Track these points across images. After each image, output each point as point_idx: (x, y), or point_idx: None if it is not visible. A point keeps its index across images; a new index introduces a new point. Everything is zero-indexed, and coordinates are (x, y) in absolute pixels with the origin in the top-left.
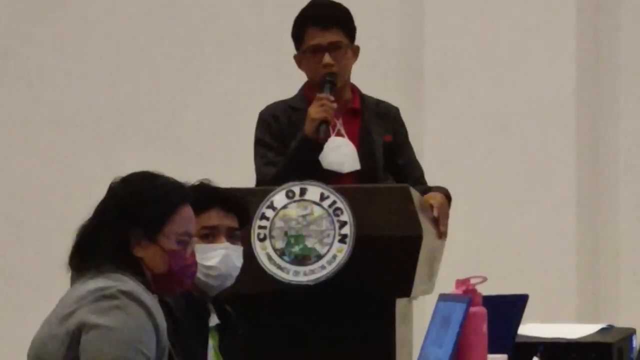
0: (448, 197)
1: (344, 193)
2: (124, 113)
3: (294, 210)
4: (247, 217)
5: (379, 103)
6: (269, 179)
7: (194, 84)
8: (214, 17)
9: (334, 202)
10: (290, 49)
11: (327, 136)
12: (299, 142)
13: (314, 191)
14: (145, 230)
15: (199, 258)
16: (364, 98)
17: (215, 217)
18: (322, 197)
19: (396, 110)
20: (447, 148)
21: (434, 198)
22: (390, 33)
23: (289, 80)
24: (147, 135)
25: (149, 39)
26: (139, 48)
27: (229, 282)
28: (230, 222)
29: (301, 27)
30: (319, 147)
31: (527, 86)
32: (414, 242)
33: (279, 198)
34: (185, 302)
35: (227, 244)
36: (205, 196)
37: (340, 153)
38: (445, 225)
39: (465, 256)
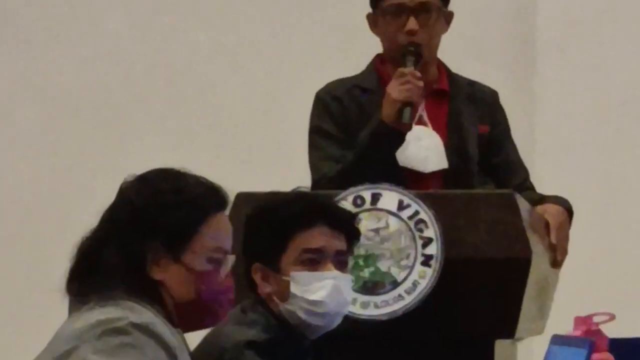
0: (569, 212)
1: (429, 200)
2: (140, 99)
3: (363, 223)
4: (356, 237)
5: (473, 84)
6: (329, 178)
7: (226, 62)
8: None
9: (417, 213)
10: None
11: (412, 123)
12: (374, 130)
13: (390, 198)
14: (166, 245)
15: (300, 290)
16: (453, 77)
17: (320, 238)
18: (401, 206)
19: (494, 95)
20: (564, 141)
21: (550, 212)
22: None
23: (348, 57)
24: (168, 126)
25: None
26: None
27: (337, 321)
28: (339, 243)
29: None
30: (401, 137)
31: None
32: (521, 267)
33: (344, 206)
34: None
35: (336, 273)
36: (306, 209)
37: (422, 147)
38: (564, 251)
39: (587, 287)
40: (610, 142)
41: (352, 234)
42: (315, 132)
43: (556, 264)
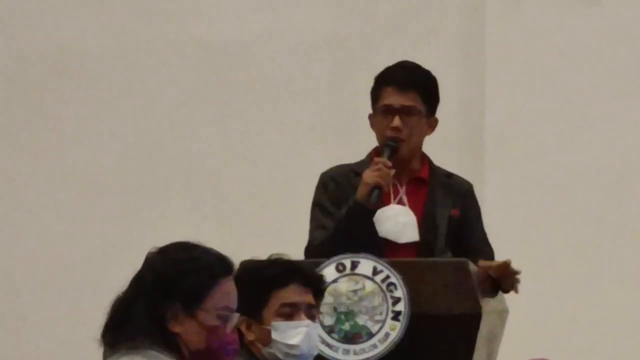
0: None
1: (398, 267)
2: (162, 179)
3: (344, 285)
4: (322, 293)
5: (451, 176)
6: (316, 244)
7: (239, 149)
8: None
9: (387, 277)
10: (355, 110)
11: (380, 203)
12: (349, 207)
13: (366, 265)
14: (183, 304)
15: (279, 337)
16: (434, 169)
17: (295, 294)
18: (375, 272)
19: (468, 186)
20: (510, 218)
21: (483, 265)
22: (448, 96)
23: (350, 145)
24: (188, 203)
25: (189, 100)
26: (177, 108)
27: None
28: (309, 298)
29: (379, 85)
30: (370, 214)
31: (598, 149)
32: (473, 320)
33: (328, 271)
34: None
35: (308, 322)
36: (283, 271)
37: (399, 222)
38: (516, 272)
39: (529, 336)
40: (548, 218)
41: (319, 292)
42: (314, 206)
43: (515, 276)
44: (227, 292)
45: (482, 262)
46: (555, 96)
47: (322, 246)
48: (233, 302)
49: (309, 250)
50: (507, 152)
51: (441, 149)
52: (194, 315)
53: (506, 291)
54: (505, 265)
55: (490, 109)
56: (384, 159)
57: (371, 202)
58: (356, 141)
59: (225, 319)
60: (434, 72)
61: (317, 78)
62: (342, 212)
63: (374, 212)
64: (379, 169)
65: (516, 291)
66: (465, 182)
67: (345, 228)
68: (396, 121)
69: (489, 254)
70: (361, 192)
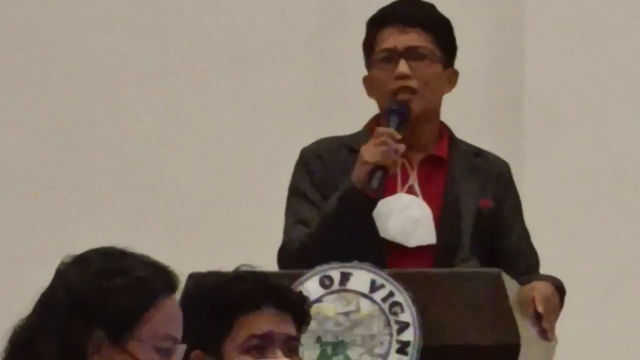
0: (559, 290)
1: (406, 280)
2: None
3: (331, 306)
4: (306, 320)
5: (479, 153)
6: (294, 247)
7: (190, 130)
8: None
9: (391, 294)
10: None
11: (381, 192)
12: (340, 195)
13: (361, 277)
14: (108, 332)
15: None
16: (456, 144)
17: (267, 321)
18: (374, 287)
19: (504, 167)
20: (554, 212)
21: (537, 288)
22: (477, 56)
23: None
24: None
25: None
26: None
27: None
28: (287, 327)
29: (373, 29)
30: (370, 204)
31: None
32: (509, 355)
33: (310, 287)
34: None
35: None
36: (251, 290)
37: (408, 218)
38: (552, 325)
39: None
40: (605, 210)
41: (302, 318)
42: (291, 193)
43: (544, 334)
44: (168, 316)
45: (533, 282)
46: (616, 52)
47: (301, 250)
48: (177, 329)
49: (283, 256)
50: (553, 128)
51: (466, 123)
52: (124, 347)
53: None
54: (528, 302)
55: (531, 72)
56: (390, 129)
57: (371, 188)
58: (347, 115)
59: (166, 352)
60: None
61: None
62: (330, 202)
63: (375, 202)
64: (383, 143)
65: (545, 338)
66: (499, 161)
67: (334, 224)
68: (402, 66)
69: (531, 260)
70: (358, 174)
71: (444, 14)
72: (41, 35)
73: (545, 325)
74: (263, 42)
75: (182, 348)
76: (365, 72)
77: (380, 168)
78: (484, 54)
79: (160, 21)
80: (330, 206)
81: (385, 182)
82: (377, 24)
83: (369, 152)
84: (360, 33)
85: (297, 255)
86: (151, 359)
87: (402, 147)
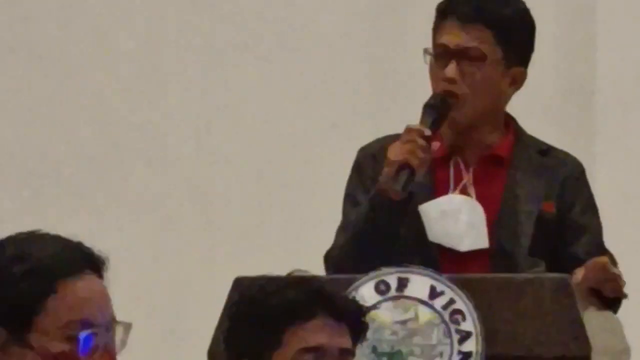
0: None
1: (467, 287)
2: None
3: (388, 313)
4: (363, 331)
5: (547, 153)
6: (335, 253)
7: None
8: None
9: (452, 302)
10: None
11: (409, 191)
12: (370, 197)
13: (420, 283)
14: (7, 327)
15: None
16: (523, 140)
17: (320, 332)
18: (434, 293)
19: (575, 167)
20: (626, 212)
21: (586, 267)
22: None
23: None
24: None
25: None
26: None
27: None
28: (342, 339)
29: (437, 18)
30: (395, 207)
31: None
32: None
33: (365, 293)
34: None
35: None
36: (303, 298)
37: (461, 221)
38: (617, 275)
39: None
40: None
41: (358, 328)
42: (345, 197)
43: (615, 282)
44: (78, 300)
45: (575, 274)
46: None
47: (339, 257)
48: (95, 312)
49: (326, 262)
50: (626, 119)
51: (534, 116)
52: (26, 341)
53: (608, 301)
54: (599, 266)
55: (603, 61)
56: (420, 126)
57: (396, 189)
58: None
59: (83, 340)
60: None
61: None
62: (362, 206)
63: (402, 204)
64: (410, 140)
65: (622, 296)
66: (570, 160)
67: (365, 229)
68: (450, 69)
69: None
70: (385, 175)
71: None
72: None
73: (613, 273)
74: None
75: (122, 327)
76: None
77: (406, 167)
78: (553, 43)
79: (203, 8)
80: (362, 210)
81: (438, 182)
82: (440, 13)
83: (394, 151)
84: (425, 17)
85: (337, 261)
86: (61, 351)
87: (436, 145)
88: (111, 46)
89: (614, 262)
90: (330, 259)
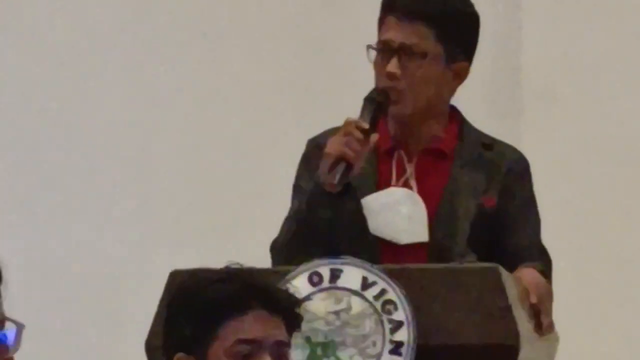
0: (544, 274)
1: (399, 277)
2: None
3: (321, 304)
4: (297, 323)
5: (491, 146)
6: (278, 245)
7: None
8: None
9: (383, 292)
10: None
11: (346, 184)
12: (310, 190)
13: (352, 274)
14: None
15: None
16: (467, 136)
17: (256, 325)
18: (366, 284)
19: (518, 161)
20: (556, 197)
21: (526, 278)
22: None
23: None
24: None
25: None
26: None
27: None
28: (278, 331)
29: (381, 13)
30: (332, 200)
31: None
32: (508, 353)
33: (298, 284)
34: None
35: None
36: (239, 291)
37: (400, 213)
38: (549, 316)
39: None
40: (607, 196)
41: (293, 321)
42: (293, 188)
43: (543, 329)
44: None
45: (518, 271)
46: (620, 29)
47: (281, 248)
48: None
49: (272, 250)
50: (553, 110)
51: (461, 106)
52: None
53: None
54: (521, 296)
55: (528, 49)
56: (359, 120)
57: (331, 182)
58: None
59: None
60: None
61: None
62: (305, 197)
63: (340, 196)
64: (348, 133)
65: (542, 324)
66: (513, 153)
67: (305, 221)
68: (391, 65)
69: (540, 262)
70: (321, 167)
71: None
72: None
73: (544, 318)
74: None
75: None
76: None
77: (343, 161)
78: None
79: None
80: (303, 200)
81: (381, 175)
82: (383, 8)
83: (332, 144)
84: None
85: (280, 253)
86: None
87: (374, 137)
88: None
89: (548, 267)
90: (275, 249)
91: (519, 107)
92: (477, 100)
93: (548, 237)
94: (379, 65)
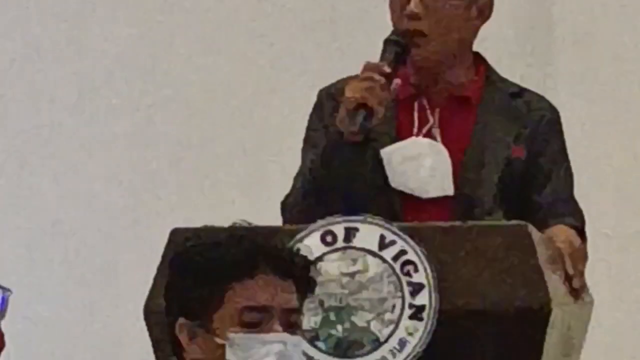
0: (581, 234)
1: (419, 236)
2: None
3: (334, 265)
4: (309, 287)
5: (520, 95)
6: (291, 200)
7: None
8: None
9: (403, 252)
10: None
11: (366, 135)
12: (329, 139)
13: (368, 233)
14: None
15: (238, 357)
16: (492, 84)
17: (264, 290)
18: (383, 244)
19: (548, 112)
20: (584, 140)
21: (559, 237)
22: None
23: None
24: None
25: None
26: None
27: None
28: (288, 298)
29: None
30: (349, 152)
31: None
32: (538, 317)
33: (310, 244)
34: None
35: (284, 336)
36: (246, 253)
37: (424, 166)
38: (582, 279)
39: (620, 334)
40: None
41: (305, 285)
42: (304, 141)
43: (576, 293)
44: None
45: (549, 231)
46: None
47: (295, 204)
48: None
49: (283, 210)
50: (584, 56)
51: (491, 54)
52: None
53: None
54: (559, 256)
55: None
56: (380, 63)
57: (352, 130)
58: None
59: None
60: None
61: None
62: (319, 149)
63: (360, 147)
64: (368, 78)
65: (574, 288)
66: (544, 103)
67: (322, 173)
68: (414, 4)
69: (573, 219)
70: (341, 114)
71: None
72: None
73: (575, 283)
74: None
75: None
76: None
77: (363, 107)
78: None
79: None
80: (318, 153)
81: (401, 125)
82: None
83: (352, 89)
84: None
85: (291, 211)
86: None
87: (396, 82)
88: None
89: (582, 225)
90: (286, 205)
91: (551, 52)
92: (510, 44)
93: (580, 193)
94: (397, 4)
